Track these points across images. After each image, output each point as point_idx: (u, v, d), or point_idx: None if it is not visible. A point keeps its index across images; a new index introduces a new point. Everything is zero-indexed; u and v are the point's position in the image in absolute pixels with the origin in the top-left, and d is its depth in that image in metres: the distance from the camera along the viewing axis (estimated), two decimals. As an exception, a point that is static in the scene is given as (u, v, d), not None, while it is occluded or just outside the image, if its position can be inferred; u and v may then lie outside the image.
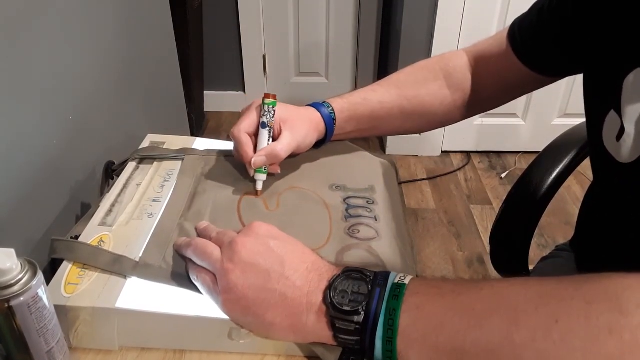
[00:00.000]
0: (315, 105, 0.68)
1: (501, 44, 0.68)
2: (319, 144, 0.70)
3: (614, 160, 0.51)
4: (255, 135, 0.64)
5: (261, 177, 0.63)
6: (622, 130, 0.49)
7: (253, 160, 0.61)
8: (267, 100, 0.62)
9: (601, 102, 0.53)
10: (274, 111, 0.63)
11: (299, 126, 0.64)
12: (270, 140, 0.63)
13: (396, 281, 0.42)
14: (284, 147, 0.62)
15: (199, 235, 0.55)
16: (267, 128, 0.63)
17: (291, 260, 0.46)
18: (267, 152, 0.61)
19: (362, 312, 0.41)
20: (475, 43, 0.73)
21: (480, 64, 0.71)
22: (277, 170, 0.65)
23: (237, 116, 0.66)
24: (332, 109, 0.67)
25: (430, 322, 0.39)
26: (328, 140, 0.69)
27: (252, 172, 0.62)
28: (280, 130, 0.63)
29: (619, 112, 0.49)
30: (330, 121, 0.67)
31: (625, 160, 0.49)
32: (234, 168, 0.69)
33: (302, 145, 0.65)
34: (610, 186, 0.56)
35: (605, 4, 0.52)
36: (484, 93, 0.72)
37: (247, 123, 0.63)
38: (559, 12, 0.60)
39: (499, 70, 0.69)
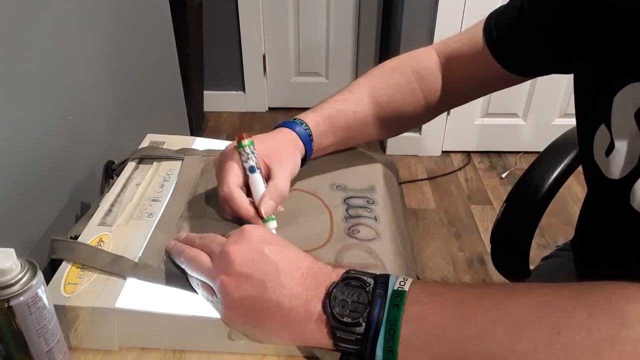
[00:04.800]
0: (288, 125, 0.62)
1: (476, 43, 0.64)
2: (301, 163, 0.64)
3: (602, 175, 0.50)
4: (245, 185, 0.57)
5: (274, 225, 0.55)
6: (611, 145, 0.48)
7: (263, 209, 0.54)
8: (244, 142, 0.55)
9: (591, 115, 0.52)
10: (255, 150, 0.56)
11: (284, 155, 0.59)
12: (264, 181, 0.56)
13: (396, 288, 0.41)
14: (284, 183, 0.56)
15: (194, 244, 0.52)
16: (258, 171, 0.56)
17: (286, 267, 0.45)
18: (273, 195, 0.55)
19: (363, 324, 0.40)
20: (444, 40, 0.70)
21: (453, 64, 0.68)
22: (281, 209, 0.58)
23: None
24: (307, 126, 0.63)
25: (432, 332, 0.39)
26: (308, 159, 0.64)
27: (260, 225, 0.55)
28: (268, 167, 0.58)
29: (609, 128, 0.48)
30: (307, 139, 0.62)
31: (613, 176, 0.48)
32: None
33: (294, 173, 0.60)
34: (601, 198, 0.56)
35: (589, 16, 0.50)
36: (454, 92, 0.70)
37: (233, 175, 0.56)
38: (538, 18, 0.58)
39: (473, 70, 0.66)
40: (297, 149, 0.61)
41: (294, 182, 0.63)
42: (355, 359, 0.42)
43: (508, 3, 0.63)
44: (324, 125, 0.64)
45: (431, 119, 0.74)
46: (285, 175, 0.57)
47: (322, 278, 0.44)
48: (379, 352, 0.40)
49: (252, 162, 0.56)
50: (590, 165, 0.52)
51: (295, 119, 0.63)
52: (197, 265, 0.48)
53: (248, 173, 0.56)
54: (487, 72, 0.65)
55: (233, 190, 0.55)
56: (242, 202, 0.55)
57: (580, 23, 0.52)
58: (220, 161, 0.59)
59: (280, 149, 0.59)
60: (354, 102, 0.67)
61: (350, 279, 0.43)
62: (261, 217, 0.55)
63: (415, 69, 0.69)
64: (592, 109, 0.52)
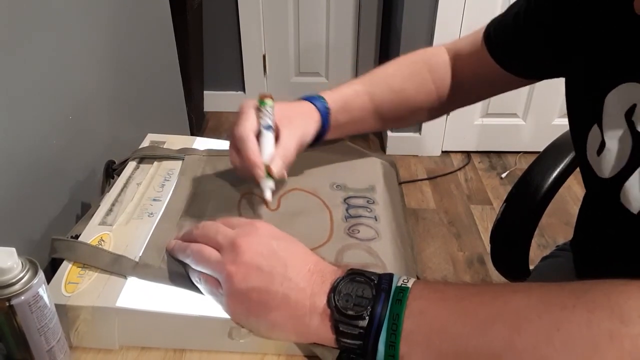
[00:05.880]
0: (308, 98, 0.66)
1: (477, 45, 0.67)
2: (317, 139, 0.66)
3: (595, 174, 0.51)
4: (256, 138, 0.58)
5: (270, 185, 0.56)
6: (602, 145, 0.49)
7: (274, 167, 0.55)
8: (266, 101, 0.58)
9: (584, 116, 0.52)
10: (273, 113, 0.58)
11: (297, 122, 0.61)
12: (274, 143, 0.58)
13: (399, 284, 0.42)
14: (292, 147, 0.58)
15: (197, 240, 0.52)
16: (271, 130, 0.57)
17: (294, 262, 0.45)
18: (282, 155, 0.56)
19: (367, 317, 0.41)
20: (455, 40, 0.73)
21: (458, 62, 0.71)
22: (285, 176, 0.58)
23: (237, 116, 0.64)
24: (325, 100, 0.66)
25: (433, 327, 0.39)
26: (326, 133, 0.67)
27: (262, 179, 0.55)
28: (278, 129, 0.59)
29: (601, 128, 0.49)
30: (325, 112, 0.65)
31: (604, 175, 0.49)
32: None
33: (304, 141, 0.62)
34: (595, 197, 0.56)
35: (586, 18, 0.51)
36: (462, 90, 0.73)
37: (251, 122, 0.57)
38: (536, 19, 0.60)
39: (476, 70, 0.69)
40: (312, 120, 0.64)
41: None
42: (355, 356, 0.42)
43: (505, 11, 0.66)
44: (342, 102, 0.67)
45: (447, 112, 0.77)
46: (293, 140, 0.59)
47: (328, 274, 0.45)
48: (381, 347, 0.40)
49: (269, 121, 0.57)
50: (584, 166, 0.53)
51: (315, 95, 0.66)
52: (204, 257, 0.48)
53: (262, 129, 0.57)
54: (490, 73, 0.67)
55: (248, 133, 0.57)
56: (254, 146, 0.56)
57: (579, 23, 0.53)
58: (240, 109, 0.60)
59: (294, 117, 0.62)
60: (369, 86, 0.70)
61: (356, 275, 0.44)
62: (268, 174, 0.56)
63: (427, 62, 0.72)
64: (584, 110, 0.53)
